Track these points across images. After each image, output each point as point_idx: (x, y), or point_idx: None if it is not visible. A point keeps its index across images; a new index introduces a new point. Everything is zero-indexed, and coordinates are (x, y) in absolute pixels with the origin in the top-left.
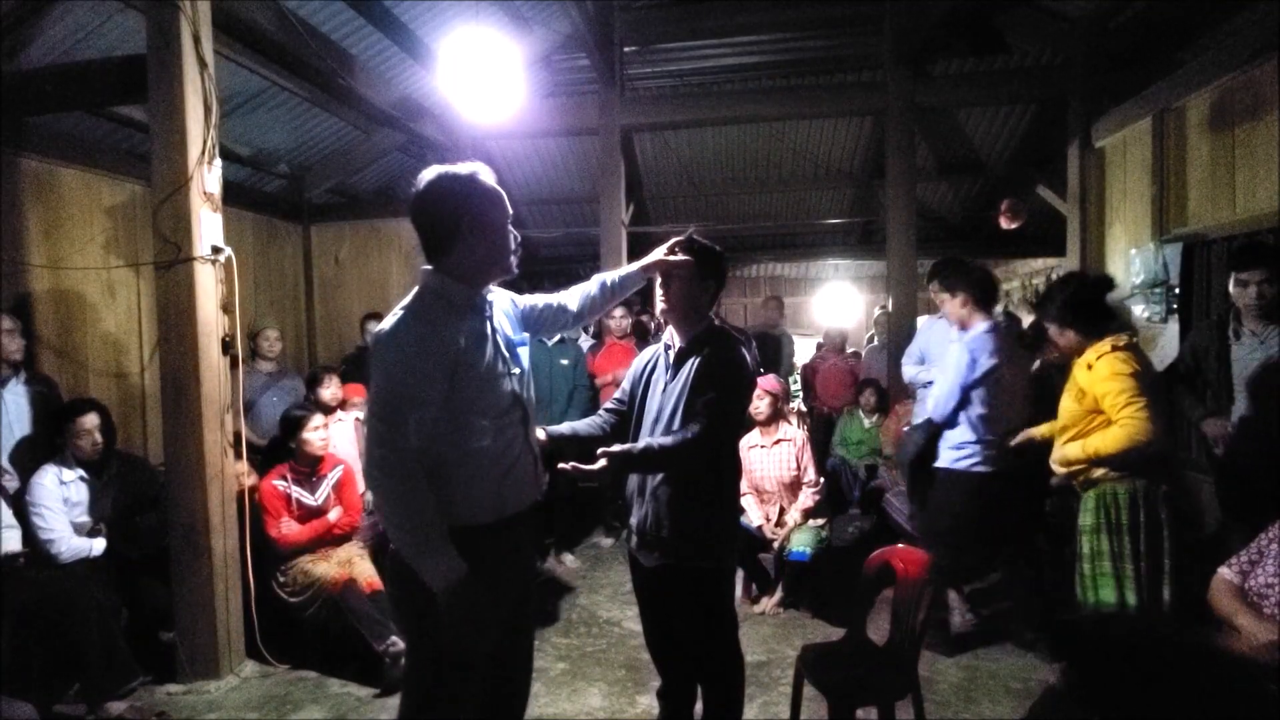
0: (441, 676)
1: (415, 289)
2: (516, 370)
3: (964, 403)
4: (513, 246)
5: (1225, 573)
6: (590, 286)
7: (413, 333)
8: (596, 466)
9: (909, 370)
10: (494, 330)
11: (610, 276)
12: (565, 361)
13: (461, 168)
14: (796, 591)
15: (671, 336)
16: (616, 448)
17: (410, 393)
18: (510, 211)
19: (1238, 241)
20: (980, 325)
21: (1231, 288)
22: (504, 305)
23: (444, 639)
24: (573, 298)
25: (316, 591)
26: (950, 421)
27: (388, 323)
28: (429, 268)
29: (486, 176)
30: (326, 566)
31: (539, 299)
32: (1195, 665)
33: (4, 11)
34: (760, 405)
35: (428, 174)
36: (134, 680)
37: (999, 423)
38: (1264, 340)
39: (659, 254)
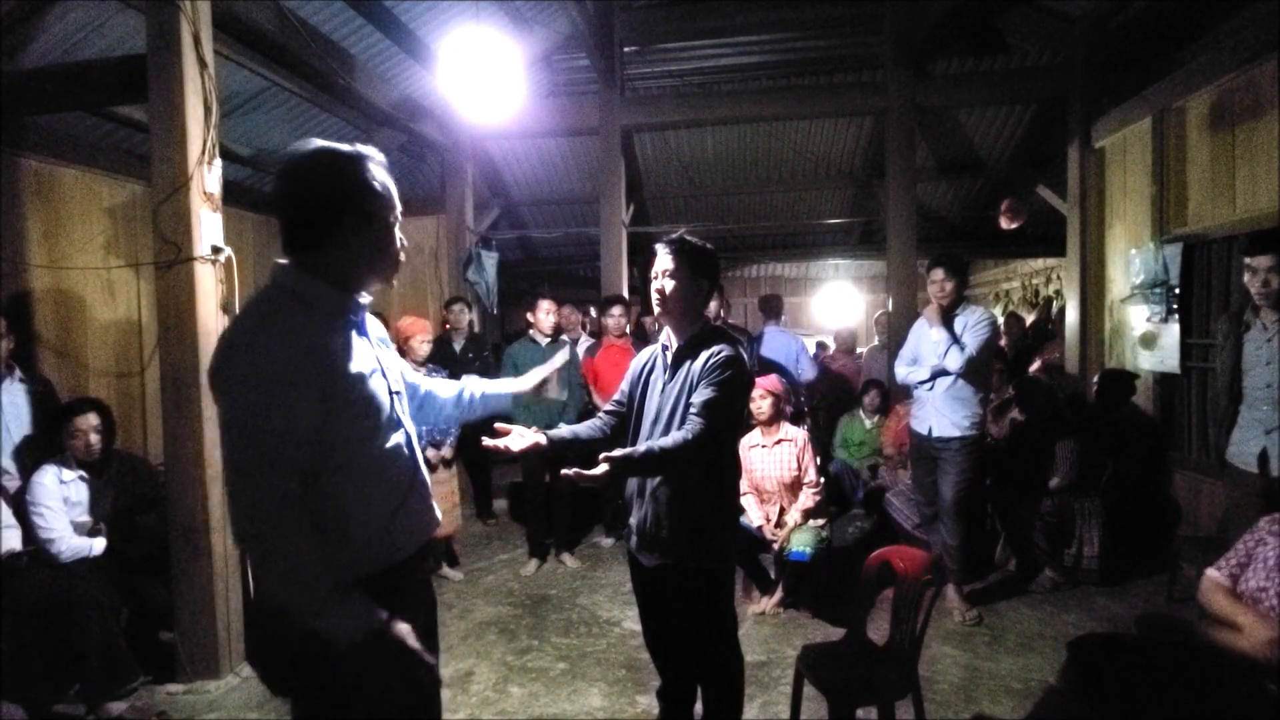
0: None
1: (263, 289)
2: (398, 389)
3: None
4: (398, 257)
5: (1215, 574)
6: (454, 389)
7: (273, 349)
8: (598, 471)
9: (901, 371)
10: (369, 341)
11: (473, 388)
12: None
13: (350, 148)
14: (796, 591)
15: (669, 337)
16: (617, 451)
17: (279, 425)
18: (399, 213)
19: (1240, 241)
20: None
21: (1245, 276)
22: (376, 330)
23: (351, 701)
24: (437, 391)
25: None
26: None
27: (235, 336)
28: (284, 263)
29: (378, 164)
30: None
31: (413, 377)
32: (1196, 665)
33: (4, 11)
34: (762, 405)
35: (305, 146)
36: (134, 680)
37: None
38: (1271, 334)
39: (530, 382)
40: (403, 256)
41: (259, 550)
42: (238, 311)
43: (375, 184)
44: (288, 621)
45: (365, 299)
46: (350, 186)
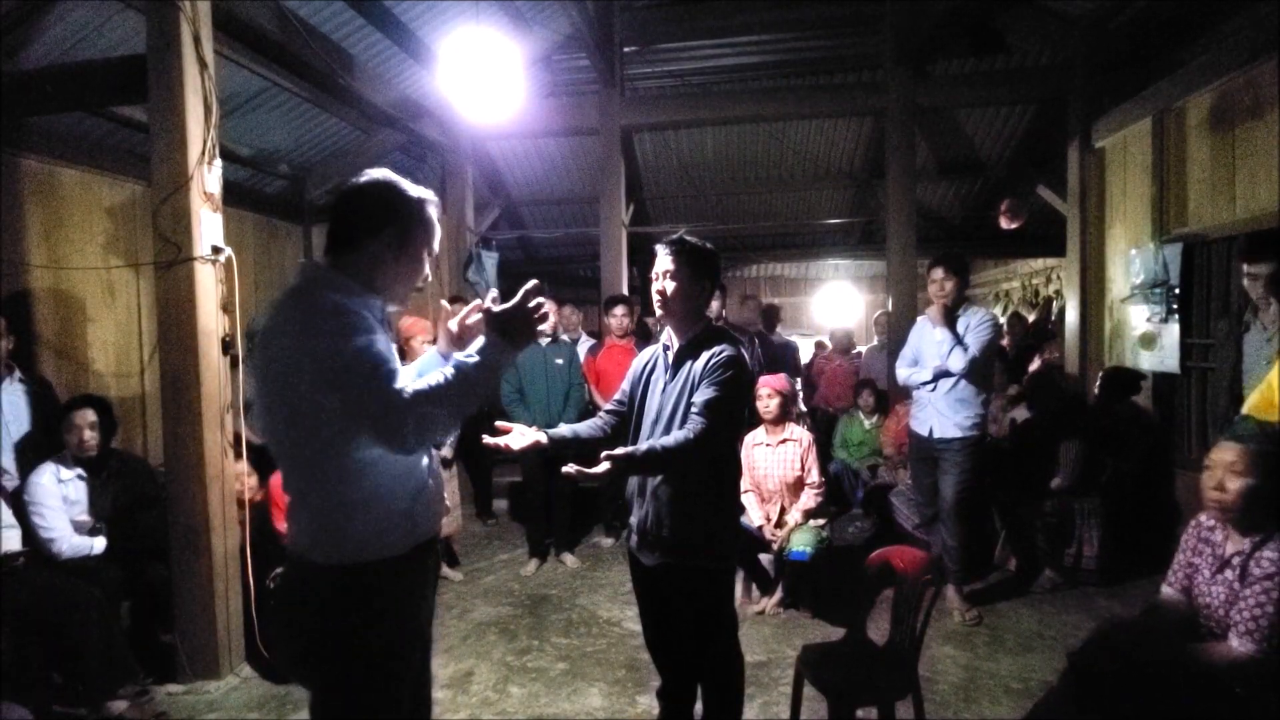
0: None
1: (297, 283)
2: None
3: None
4: (417, 283)
5: (1168, 592)
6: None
7: (330, 301)
8: (600, 469)
9: (903, 372)
10: (388, 340)
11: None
12: (560, 361)
13: (416, 188)
14: (796, 591)
15: (670, 337)
16: (620, 450)
17: (373, 347)
18: (435, 252)
19: (1239, 243)
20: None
21: (1245, 281)
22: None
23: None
24: None
25: None
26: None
27: (282, 309)
28: (315, 261)
29: (435, 207)
30: None
31: None
32: (1194, 668)
33: (4, 11)
34: (770, 405)
35: (381, 172)
36: (134, 680)
37: None
38: (1271, 334)
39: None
40: (422, 286)
41: (434, 423)
42: (266, 306)
43: (424, 219)
44: (302, 610)
45: (389, 306)
46: (403, 211)
